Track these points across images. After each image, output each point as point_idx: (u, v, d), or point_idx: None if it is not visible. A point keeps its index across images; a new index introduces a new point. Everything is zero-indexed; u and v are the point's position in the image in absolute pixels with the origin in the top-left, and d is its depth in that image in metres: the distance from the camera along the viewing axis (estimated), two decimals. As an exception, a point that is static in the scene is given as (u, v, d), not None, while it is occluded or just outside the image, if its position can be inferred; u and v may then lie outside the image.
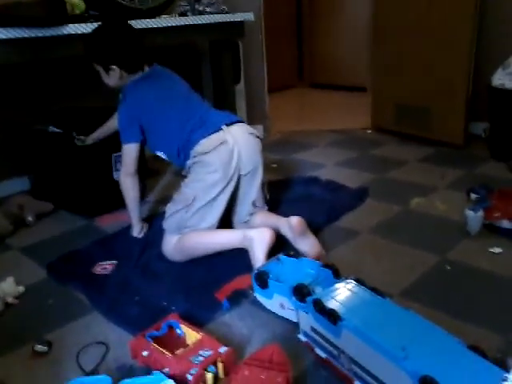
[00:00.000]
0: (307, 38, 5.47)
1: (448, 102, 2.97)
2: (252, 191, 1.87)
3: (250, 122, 2.46)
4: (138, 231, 2.03)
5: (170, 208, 1.84)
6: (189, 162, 1.80)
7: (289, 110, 4.56)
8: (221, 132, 1.79)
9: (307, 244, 1.74)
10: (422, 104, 3.11)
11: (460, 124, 2.96)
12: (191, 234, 1.78)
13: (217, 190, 1.76)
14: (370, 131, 3.52)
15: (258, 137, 1.88)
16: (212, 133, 1.78)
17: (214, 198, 1.76)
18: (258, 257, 1.63)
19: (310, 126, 3.80)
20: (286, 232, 1.75)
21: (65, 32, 2.01)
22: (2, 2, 1.76)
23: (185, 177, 1.85)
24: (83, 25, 2.07)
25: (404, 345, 1.07)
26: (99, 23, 1.95)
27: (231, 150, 1.76)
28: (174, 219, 1.81)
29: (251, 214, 1.90)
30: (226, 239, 1.76)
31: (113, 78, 1.88)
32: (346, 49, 5.08)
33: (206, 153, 1.74)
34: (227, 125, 1.82)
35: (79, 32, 2.05)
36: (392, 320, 1.20)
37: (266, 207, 1.96)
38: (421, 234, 1.96)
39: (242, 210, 1.90)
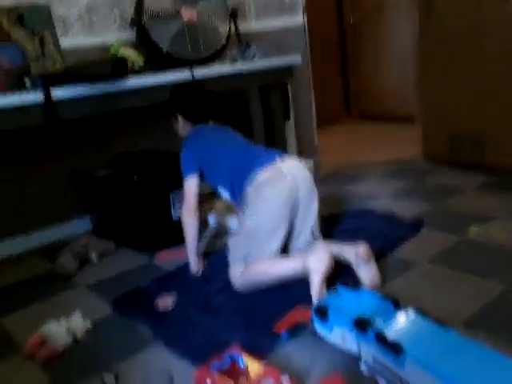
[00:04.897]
0: (353, 70, 5.57)
1: (504, 127, 2.89)
2: (310, 217, 1.91)
3: (301, 157, 2.53)
4: (195, 268, 2.09)
5: (233, 240, 1.92)
6: (249, 189, 1.85)
7: (338, 143, 4.60)
8: (275, 163, 1.87)
9: (370, 272, 1.74)
10: (476, 131, 3.05)
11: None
12: (255, 265, 1.82)
13: (278, 219, 1.82)
14: (422, 160, 3.48)
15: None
16: (267, 165, 1.86)
17: (276, 227, 1.82)
18: (315, 286, 1.66)
19: (360, 158, 3.82)
20: (351, 257, 1.77)
21: (126, 86, 2.19)
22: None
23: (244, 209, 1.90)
24: (143, 78, 2.26)
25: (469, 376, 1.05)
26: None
27: (288, 179, 1.83)
28: (237, 251, 1.87)
29: (309, 245, 1.92)
30: (289, 268, 1.78)
31: (177, 125, 2.15)
32: (393, 79, 5.09)
33: (264, 184, 1.81)
34: (280, 158, 1.92)
35: (139, 85, 2.23)
36: (456, 351, 1.18)
37: (321, 238, 1.99)
38: (482, 263, 1.90)
39: (301, 237, 1.93)
